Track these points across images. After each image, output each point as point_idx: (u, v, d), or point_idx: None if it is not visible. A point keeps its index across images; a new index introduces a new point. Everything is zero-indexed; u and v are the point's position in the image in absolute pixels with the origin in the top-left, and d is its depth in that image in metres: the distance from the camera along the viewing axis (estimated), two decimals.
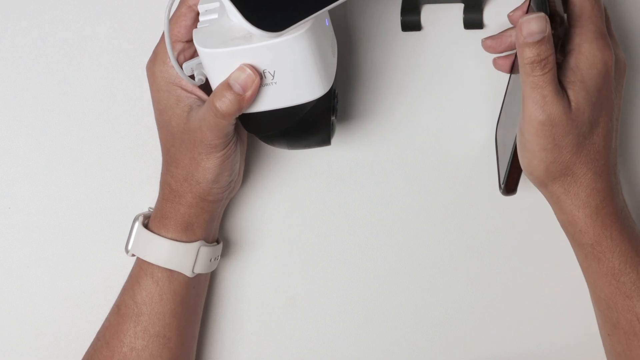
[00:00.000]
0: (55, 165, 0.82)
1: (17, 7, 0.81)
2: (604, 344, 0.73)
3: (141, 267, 0.75)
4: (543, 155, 0.68)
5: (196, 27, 0.70)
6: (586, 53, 0.67)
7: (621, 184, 0.72)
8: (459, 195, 0.81)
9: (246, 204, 0.82)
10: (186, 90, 0.71)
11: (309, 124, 0.71)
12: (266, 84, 0.67)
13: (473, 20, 0.77)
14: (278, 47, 0.65)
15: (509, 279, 0.81)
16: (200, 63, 0.68)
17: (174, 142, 0.72)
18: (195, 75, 0.70)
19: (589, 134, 0.67)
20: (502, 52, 0.76)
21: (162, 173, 0.75)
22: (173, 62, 0.68)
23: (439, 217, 0.81)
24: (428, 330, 0.81)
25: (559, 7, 0.67)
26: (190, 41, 0.71)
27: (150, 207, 0.77)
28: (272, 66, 0.66)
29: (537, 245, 0.80)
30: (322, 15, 0.68)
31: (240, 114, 0.69)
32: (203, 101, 0.71)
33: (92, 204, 0.82)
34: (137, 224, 0.75)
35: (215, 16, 0.68)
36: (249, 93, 0.67)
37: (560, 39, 0.68)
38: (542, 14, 0.65)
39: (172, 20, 0.71)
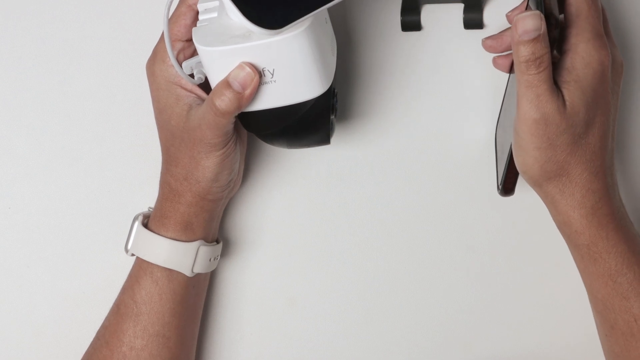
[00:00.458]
0: (55, 165, 0.82)
1: (17, 7, 0.81)
2: (602, 345, 0.73)
3: (140, 267, 0.75)
4: (537, 154, 0.67)
5: (196, 26, 0.70)
6: (582, 53, 0.67)
7: (619, 184, 0.72)
8: (459, 195, 0.81)
9: (246, 203, 0.82)
10: (186, 89, 0.71)
11: (309, 123, 0.71)
12: (265, 82, 0.67)
13: (473, 20, 0.77)
14: (277, 45, 0.65)
15: (509, 279, 0.81)
16: (200, 62, 0.68)
17: (173, 141, 0.72)
18: (194, 74, 0.70)
19: (585, 134, 0.67)
20: (502, 52, 0.76)
21: (161, 172, 0.75)
22: (172, 61, 0.68)
23: (439, 217, 0.81)
24: (428, 330, 0.81)
25: (555, 9, 0.68)
26: (189, 40, 0.71)
27: (150, 207, 0.77)
28: (272, 64, 0.66)
29: (537, 245, 0.80)
30: (322, 14, 0.68)
31: (240, 112, 0.69)
32: (202, 100, 0.71)
33: (92, 204, 0.82)
34: (137, 224, 0.75)
35: (214, 15, 0.68)
36: (248, 91, 0.67)
37: (556, 41, 0.68)
38: (538, 12, 0.65)
39: (172, 20, 0.71)
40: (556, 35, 0.67)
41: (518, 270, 0.81)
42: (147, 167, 0.81)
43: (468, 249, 0.81)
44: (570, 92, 0.67)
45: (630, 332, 0.69)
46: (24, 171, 0.82)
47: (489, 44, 0.75)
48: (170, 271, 0.74)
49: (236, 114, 0.69)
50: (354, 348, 0.82)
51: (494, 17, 0.78)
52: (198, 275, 0.76)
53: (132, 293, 0.74)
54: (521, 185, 0.73)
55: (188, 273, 0.74)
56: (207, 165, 0.71)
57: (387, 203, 0.81)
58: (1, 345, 0.83)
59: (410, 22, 0.78)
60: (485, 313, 0.81)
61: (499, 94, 0.79)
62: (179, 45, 0.71)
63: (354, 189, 0.81)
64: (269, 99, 0.69)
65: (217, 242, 0.78)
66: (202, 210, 0.74)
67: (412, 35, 0.79)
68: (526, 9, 0.73)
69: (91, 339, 0.77)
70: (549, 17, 0.66)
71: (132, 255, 0.75)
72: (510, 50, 0.75)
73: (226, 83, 0.67)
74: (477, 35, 0.78)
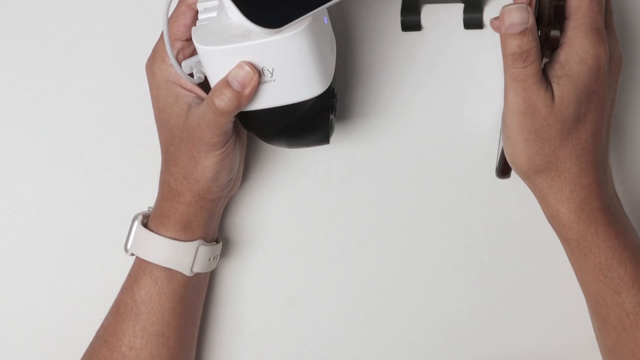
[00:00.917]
0: (55, 165, 0.82)
1: (17, 7, 0.82)
2: (596, 339, 0.73)
3: (140, 266, 0.75)
4: (525, 146, 0.68)
5: (195, 25, 0.70)
6: (578, 48, 0.67)
7: (618, 184, 0.72)
8: (459, 196, 0.81)
9: (246, 203, 0.82)
10: (185, 89, 0.71)
11: (308, 123, 0.71)
12: (265, 82, 0.67)
13: (473, 20, 0.77)
14: (277, 44, 0.65)
15: (509, 279, 0.81)
16: (199, 61, 0.68)
17: (172, 141, 0.72)
18: (194, 73, 0.70)
19: (574, 129, 0.67)
20: None
21: (161, 172, 0.75)
22: (172, 60, 0.68)
23: (439, 217, 0.81)
24: (428, 330, 0.81)
25: (547, 6, 0.67)
26: (189, 40, 0.71)
27: (149, 207, 0.77)
28: (271, 64, 0.66)
29: (537, 245, 0.80)
30: (321, 13, 0.69)
31: (239, 111, 0.69)
32: (202, 99, 0.71)
33: (92, 204, 0.82)
34: (136, 223, 0.75)
35: (214, 14, 0.68)
36: (247, 90, 0.67)
37: (547, 39, 0.67)
38: (524, 4, 0.65)
39: (171, 19, 0.71)
40: (548, 33, 0.67)
41: (518, 270, 0.81)
42: (147, 167, 0.81)
43: (468, 249, 0.81)
44: (561, 87, 0.67)
45: (622, 327, 0.69)
46: (24, 171, 0.82)
47: (496, 24, 0.74)
48: (169, 271, 0.74)
49: (235, 113, 0.69)
50: (354, 348, 0.82)
51: (494, 17, 0.78)
52: (198, 275, 0.76)
53: (131, 293, 0.75)
54: (520, 185, 0.73)
55: (187, 273, 0.74)
56: (207, 164, 0.71)
57: (387, 203, 0.81)
58: (1, 345, 0.83)
59: (410, 22, 0.78)
60: (485, 313, 0.81)
61: (498, 94, 0.78)
62: (179, 44, 0.71)
63: (354, 188, 0.81)
64: (269, 99, 0.69)
65: (217, 242, 0.78)
66: (202, 209, 0.74)
67: (412, 35, 0.79)
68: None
69: (91, 339, 0.77)
70: (541, 14, 0.66)
71: (132, 255, 0.75)
72: None
73: (226, 82, 0.67)
74: (477, 35, 0.78)
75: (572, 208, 0.68)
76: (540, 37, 0.66)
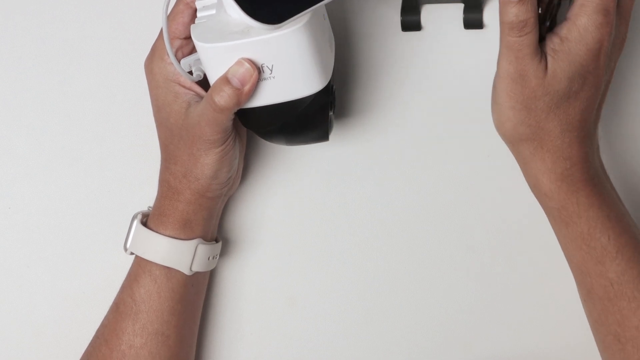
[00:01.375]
0: (55, 165, 0.82)
1: (17, 7, 0.82)
2: (584, 310, 0.73)
3: (139, 265, 0.75)
4: (511, 114, 0.68)
5: (194, 23, 0.70)
6: (581, 27, 0.66)
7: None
8: (459, 195, 0.81)
9: (245, 202, 0.82)
10: (184, 87, 0.72)
11: (307, 120, 0.71)
12: (264, 79, 0.68)
13: (473, 20, 0.77)
14: (276, 40, 0.65)
15: (509, 279, 0.81)
16: (199, 59, 0.68)
17: (172, 139, 0.72)
18: (193, 71, 0.70)
19: (564, 104, 0.67)
20: None
21: (160, 171, 0.75)
22: (171, 58, 0.68)
23: (439, 217, 0.81)
24: (428, 330, 0.81)
25: None
26: (188, 38, 0.71)
27: (149, 206, 0.77)
28: (271, 60, 0.67)
29: (537, 245, 0.80)
30: (320, 10, 0.69)
31: (239, 108, 0.69)
32: (201, 97, 0.72)
33: (92, 204, 0.82)
34: (136, 222, 0.75)
35: (212, 12, 0.68)
36: (247, 87, 0.67)
37: (551, 13, 0.66)
38: None
39: (170, 17, 0.71)
40: (555, 6, 0.66)
41: (518, 270, 0.81)
42: (147, 167, 0.81)
43: (468, 249, 0.81)
44: (556, 62, 0.66)
45: (607, 297, 0.69)
46: (24, 171, 0.82)
47: None
48: (168, 269, 0.74)
49: (235, 110, 0.69)
50: (354, 348, 0.82)
51: (494, 17, 0.78)
52: (197, 273, 0.76)
53: (131, 291, 0.75)
54: (521, 185, 0.73)
55: (186, 271, 0.74)
56: (207, 162, 0.71)
57: (387, 203, 0.81)
58: (1, 345, 0.83)
59: (410, 22, 0.78)
60: (485, 313, 0.81)
61: None
62: (177, 43, 0.72)
63: (354, 188, 0.81)
64: (268, 95, 0.69)
65: (216, 241, 0.78)
66: (201, 208, 0.74)
67: (412, 35, 0.79)
68: None
69: (91, 339, 0.77)
70: None
71: (131, 253, 0.75)
72: None
73: (225, 79, 0.67)
74: (477, 35, 0.78)
75: (553, 178, 0.68)
76: (540, 10, 0.66)
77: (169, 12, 0.71)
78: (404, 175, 0.81)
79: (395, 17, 0.79)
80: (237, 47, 0.66)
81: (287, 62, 0.67)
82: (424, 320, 0.81)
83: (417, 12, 0.78)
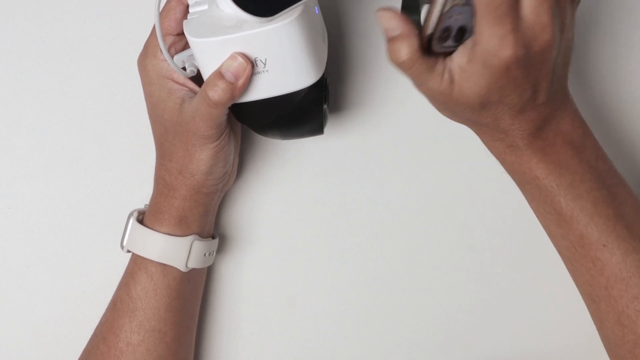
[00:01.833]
0: (55, 165, 0.82)
1: (17, 7, 0.82)
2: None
3: (136, 262, 0.75)
4: (446, 114, 0.68)
5: (186, 19, 0.70)
6: (482, 47, 0.61)
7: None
8: (459, 195, 0.81)
9: (242, 198, 0.82)
10: (178, 83, 0.72)
11: (301, 113, 0.71)
12: (258, 72, 0.67)
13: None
14: (269, 34, 0.65)
15: (509, 279, 0.81)
16: (192, 55, 0.68)
17: (167, 136, 0.72)
18: (186, 67, 0.70)
19: (487, 110, 0.65)
20: None
21: (156, 168, 0.75)
22: (165, 54, 0.68)
23: (439, 217, 0.81)
24: (428, 330, 0.81)
25: (436, 11, 0.62)
26: (180, 34, 0.71)
27: (146, 204, 0.77)
28: (264, 54, 0.66)
29: (537, 245, 0.80)
30: (312, 3, 0.69)
31: (233, 103, 0.69)
32: (195, 93, 0.72)
33: (92, 204, 0.82)
34: (132, 220, 0.75)
35: (205, 7, 0.68)
36: (241, 81, 0.67)
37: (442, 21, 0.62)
38: (393, 12, 0.62)
39: (162, 14, 0.71)
40: (445, 13, 0.62)
41: (518, 270, 0.81)
42: (147, 167, 0.81)
43: (468, 249, 0.81)
44: (462, 80, 0.63)
45: (574, 258, 0.70)
46: (24, 171, 0.82)
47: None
48: (164, 266, 0.74)
49: (229, 105, 0.69)
50: (354, 348, 0.82)
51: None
52: (194, 270, 0.76)
53: (127, 289, 0.75)
54: None
55: (182, 268, 0.74)
56: (202, 158, 0.71)
57: (386, 202, 0.81)
58: (1, 345, 0.83)
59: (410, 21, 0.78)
60: (485, 313, 0.81)
61: None
62: (170, 39, 0.72)
63: (351, 184, 0.81)
64: (262, 89, 0.69)
65: (213, 237, 0.78)
66: (197, 204, 0.74)
67: None
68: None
69: (90, 337, 0.77)
70: (426, 19, 0.62)
71: (128, 251, 0.76)
72: None
73: (219, 74, 0.67)
74: None
75: (497, 152, 0.68)
76: (424, 43, 0.63)
77: (161, 8, 0.71)
78: (403, 174, 0.81)
79: None
80: (230, 41, 0.66)
81: (280, 56, 0.67)
82: (424, 320, 0.81)
83: (417, 12, 0.78)
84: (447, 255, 0.81)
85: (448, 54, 0.64)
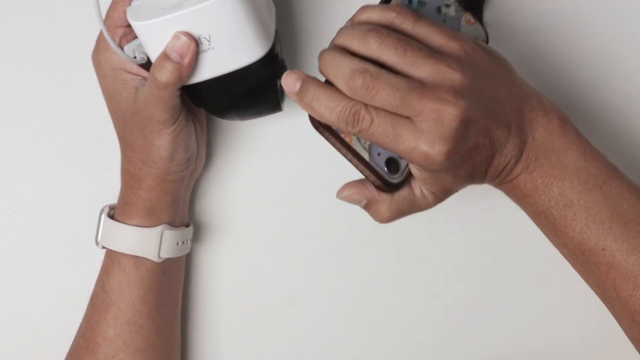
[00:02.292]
0: (55, 165, 0.82)
1: (17, 7, 0.82)
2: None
3: (109, 257, 0.75)
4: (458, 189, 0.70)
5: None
6: (415, 162, 0.64)
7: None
8: (459, 195, 0.81)
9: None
10: (131, 73, 0.72)
11: (256, 91, 0.70)
12: (204, 50, 0.67)
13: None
14: (209, 10, 0.65)
15: (509, 279, 0.81)
16: (140, 43, 0.68)
17: (126, 127, 0.73)
18: (136, 55, 0.70)
19: (470, 182, 0.68)
20: None
21: (121, 161, 0.75)
22: (111, 43, 0.68)
23: (439, 217, 0.81)
24: (428, 330, 0.81)
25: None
26: (130, 25, 0.71)
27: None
28: (207, 31, 0.66)
29: (537, 246, 0.80)
30: None
31: (183, 83, 0.69)
32: None
33: (92, 204, 0.82)
34: (103, 215, 0.76)
35: None
36: (187, 60, 0.67)
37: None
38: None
39: (111, 7, 0.71)
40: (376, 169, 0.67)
41: (518, 270, 0.81)
42: None
43: (468, 249, 0.81)
44: (435, 185, 0.67)
45: (579, 264, 0.70)
46: (24, 171, 0.82)
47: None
48: (136, 258, 0.74)
49: (179, 86, 0.69)
50: (354, 348, 0.82)
51: (493, 16, 0.78)
52: (169, 260, 0.76)
53: (102, 284, 0.75)
54: None
55: (155, 258, 0.75)
56: (161, 144, 0.71)
57: None
58: (1, 345, 0.83)
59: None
60: (485, 313, 0.81)
61: None
62: (121, 31, 0.71)
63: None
64: (211, 68, 0.68)
65: (187, 226, 0.78)
66: (164, 192, 0.74)
67: None
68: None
69: None
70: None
71: (103, 247, 0.76)
72: None
73: (164, 55, 0.67)
74: None
75: (488, 180, 0.69)
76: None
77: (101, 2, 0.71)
78: None
79: None
80: (171, 21, 0.65)
81: (223, 31, 0.66)
82: (424, 320, 0.81)
83: None
84: (447, 255, 0.81)
85: (410, 174, 0.67)
